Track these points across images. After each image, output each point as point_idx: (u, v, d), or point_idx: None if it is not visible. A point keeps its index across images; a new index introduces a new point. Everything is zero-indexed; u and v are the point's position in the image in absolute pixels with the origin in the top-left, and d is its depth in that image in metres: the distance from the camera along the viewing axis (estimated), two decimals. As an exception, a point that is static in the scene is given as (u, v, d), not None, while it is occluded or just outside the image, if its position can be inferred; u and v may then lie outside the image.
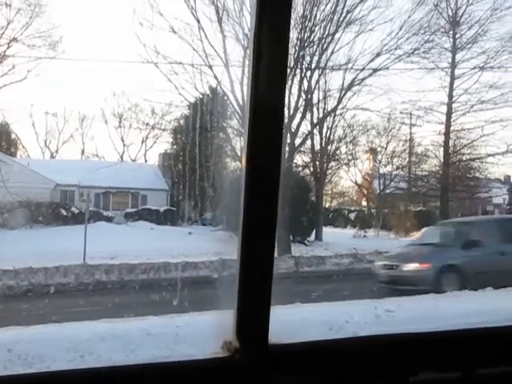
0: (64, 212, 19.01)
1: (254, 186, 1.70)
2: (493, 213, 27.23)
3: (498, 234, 12.09)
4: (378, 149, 25.36)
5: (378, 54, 20.02)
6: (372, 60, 20.10)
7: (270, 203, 1.72)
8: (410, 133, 24.55)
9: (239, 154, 18.63)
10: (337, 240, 19.45)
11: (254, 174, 1.70)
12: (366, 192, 27.13)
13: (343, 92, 20.55)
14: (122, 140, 27.85)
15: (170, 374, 1.76)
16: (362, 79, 20.40)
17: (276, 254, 1.81)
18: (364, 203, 27.99)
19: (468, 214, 27.12)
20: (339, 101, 20.81)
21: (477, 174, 24.40)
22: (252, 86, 1.67)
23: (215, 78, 18.44)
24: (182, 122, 21.84)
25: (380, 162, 25.61)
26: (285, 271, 13.10)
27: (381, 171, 25.49)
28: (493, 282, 9.95)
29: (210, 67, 18.13)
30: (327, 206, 28.09)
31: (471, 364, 2.04)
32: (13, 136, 24.92)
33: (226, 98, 18.45)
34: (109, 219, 20.18)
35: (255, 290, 1.76)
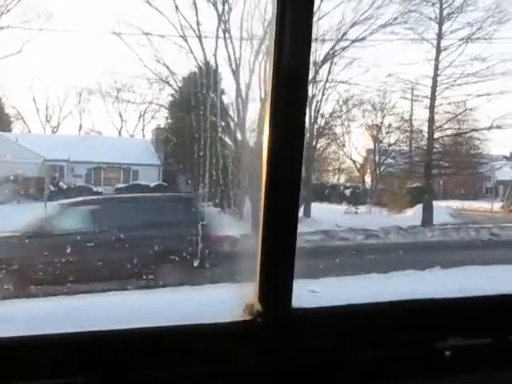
0: (52, 187, 18.96)
1: (277, 159, 1.74)
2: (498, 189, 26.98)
3: None
4: (372, 124, 25.10)
5: (354, 24, 19.68)
6: (346, 33, 19.75)
7: (295, 169, 1.81)
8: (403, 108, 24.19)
9: (232, 128, 18.47)
10: (326, 217, 19.33)
11: (277, 152, 1.73)
12: (359, 168, 27.00)
13: (319, 65, 20.08)
14: (120, 115, 27.57)
15: (191, 337, 1.73)
16: (342, 49, 20.13)
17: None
18: (359, 179, 27.89)
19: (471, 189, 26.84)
20: (315, 73, 20.24)
21: (463, 150, 24.07)
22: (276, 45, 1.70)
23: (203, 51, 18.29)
24: (176, 96, 21.64)
25: (377, 138, 25.39)
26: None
27: (375, 147, 25.27)
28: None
29: (200, 38, 17.95)
30: (324, 182, 28.07)
31: (503, 331, 2.00)
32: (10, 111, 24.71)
33: (218, 71, 18.34)
34: (98, 195, 20.08)
35: (278, 256, 1.80)
